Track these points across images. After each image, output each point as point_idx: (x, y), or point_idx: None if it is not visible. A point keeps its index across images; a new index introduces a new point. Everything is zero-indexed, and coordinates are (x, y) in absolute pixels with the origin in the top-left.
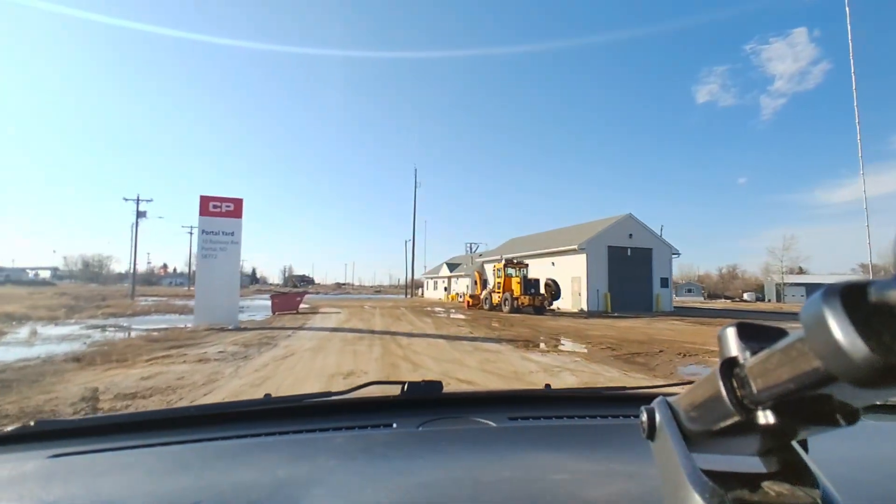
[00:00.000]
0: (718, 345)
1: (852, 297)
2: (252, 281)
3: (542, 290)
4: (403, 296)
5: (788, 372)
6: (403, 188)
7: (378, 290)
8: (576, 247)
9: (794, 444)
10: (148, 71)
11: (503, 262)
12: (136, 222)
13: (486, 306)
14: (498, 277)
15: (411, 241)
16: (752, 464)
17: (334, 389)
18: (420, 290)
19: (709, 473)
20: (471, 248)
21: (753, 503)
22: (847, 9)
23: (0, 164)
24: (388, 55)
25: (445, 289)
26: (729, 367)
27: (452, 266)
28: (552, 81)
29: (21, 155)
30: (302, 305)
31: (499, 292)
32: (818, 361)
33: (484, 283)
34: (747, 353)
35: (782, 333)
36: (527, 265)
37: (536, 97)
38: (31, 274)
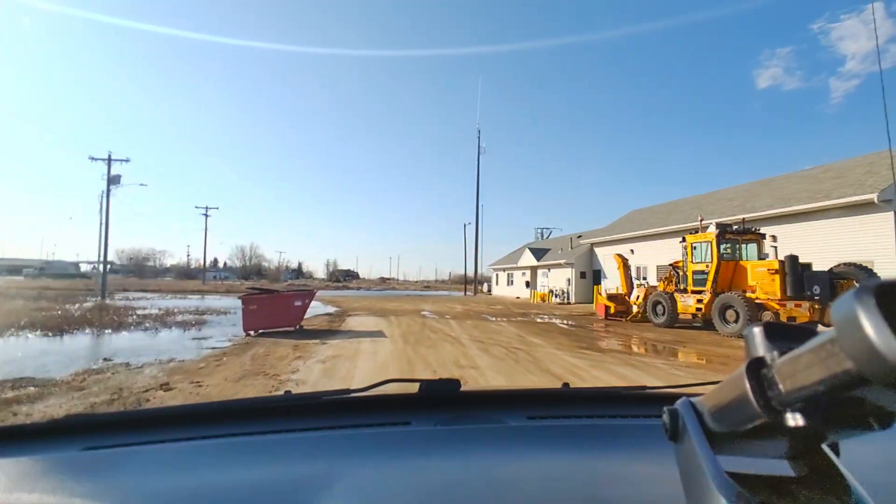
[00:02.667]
0: (745, 344)
1: (887, 297)
2: (297, 275)
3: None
4: (462, 293)
5: (818, 373)
6: (450, 181)
7: (427, 285)
8: (872, 198)
9: (825, 447)
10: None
11: (715, 231)
12: (108, 188)
13: (660, 318)
14: (697, 262)
15: (472, 225)
16: (780, 467)
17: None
18: (485, 285)
19: (734, 476)
20: (542, 234)
21: None
22: None
23: (64, 163)
24: (434, 52)
25: (528, 283)
26: (756, 367)
27: (539, 252)
28: (600, 71)
29: (80, 154)
30: (323, 309)
31: (700, 292)
32: (850, 362)
33: (630, 278)
34: (775, 353)
35: (812, 333)
36: (763, 236)
37: (587, 85)
38: (89, 267)
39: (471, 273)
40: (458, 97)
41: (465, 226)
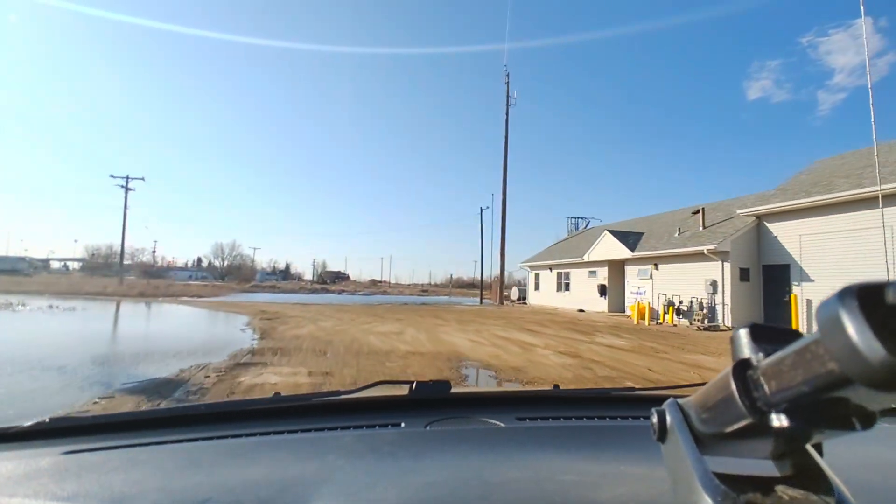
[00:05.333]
0: (731, 347)
1: (869, 299)
2: (285, 276)
3: None
4: (478, 300)
5: (803, 374)
6: (447, 181)
7: (424, 289)
8: None
9: (809, 447)
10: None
11: None
12: None
13: None
14: None
15: (491, 210)
16: (766, 467)
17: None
18: (513, 290)
19: (720, 477)
20: (576, 225)
21: None
22: None
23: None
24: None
25: (604, 288)
26: (742, 368)
27: (628, 238)
28: (576, 80)
29: (60, 152)
30: (205, 355)
31: None
32: (833, 363)
33: None
34: (760, 355)
35: (796, 335)
36: None
37: (558, 96)
38: (60, 265)
39: (491, 272)
40: (464, 89)
41: (481, 210)
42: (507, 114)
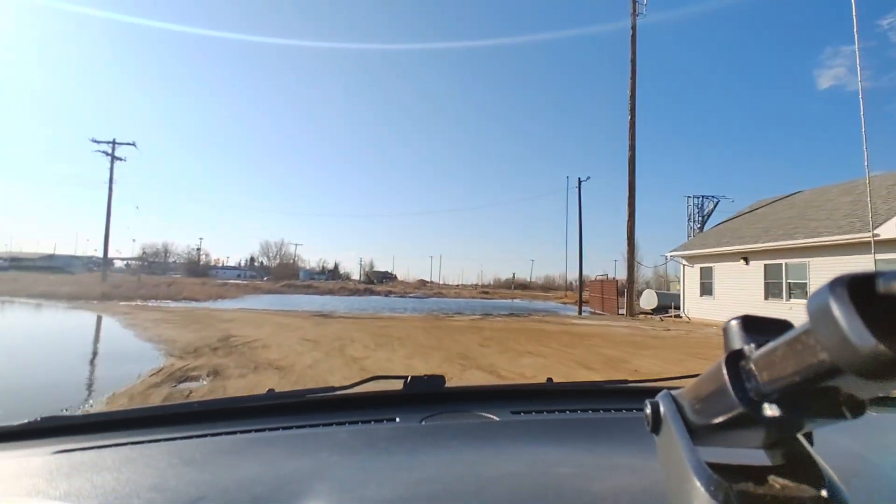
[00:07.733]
0: (724, 338)
1: (859, 289)
2: (333, 276)
3: None
4: (576, 308)
5: (794, 364)
6: (494, 177)
7: (485, 290)
8: None
9: (800, 436)
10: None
11: None
12: None
13: None
14: None
15: (591, 180)
16: (758, 457)
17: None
18: (646, 295)
19: (713, 466)
20: (699, 206)
21: (758, 496)
22: None
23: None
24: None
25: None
26: (734, 359)
27: None
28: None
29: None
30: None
31: None
32: (824, 353)
33: None
34: (752, 346)
35: (788, 326)
36: None
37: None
38: (123, 264)
39: (593, 266)
40: (500, 81)
41: (579, 181)
42: (633, 27)
